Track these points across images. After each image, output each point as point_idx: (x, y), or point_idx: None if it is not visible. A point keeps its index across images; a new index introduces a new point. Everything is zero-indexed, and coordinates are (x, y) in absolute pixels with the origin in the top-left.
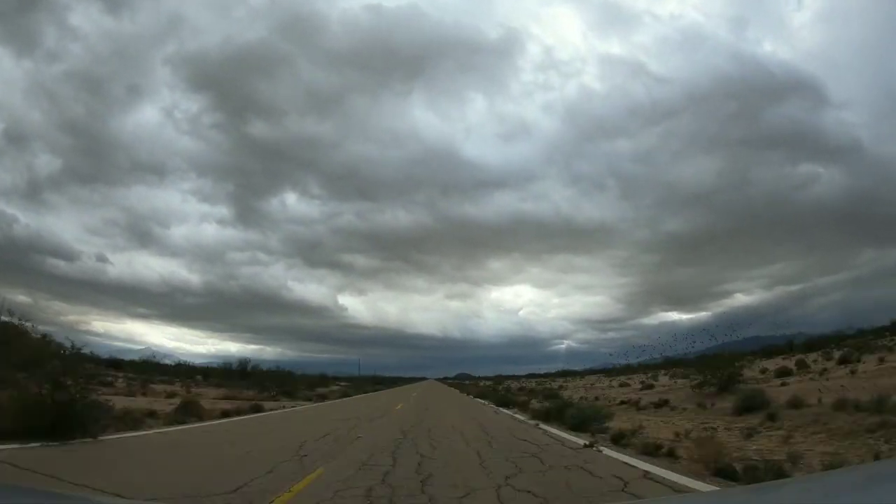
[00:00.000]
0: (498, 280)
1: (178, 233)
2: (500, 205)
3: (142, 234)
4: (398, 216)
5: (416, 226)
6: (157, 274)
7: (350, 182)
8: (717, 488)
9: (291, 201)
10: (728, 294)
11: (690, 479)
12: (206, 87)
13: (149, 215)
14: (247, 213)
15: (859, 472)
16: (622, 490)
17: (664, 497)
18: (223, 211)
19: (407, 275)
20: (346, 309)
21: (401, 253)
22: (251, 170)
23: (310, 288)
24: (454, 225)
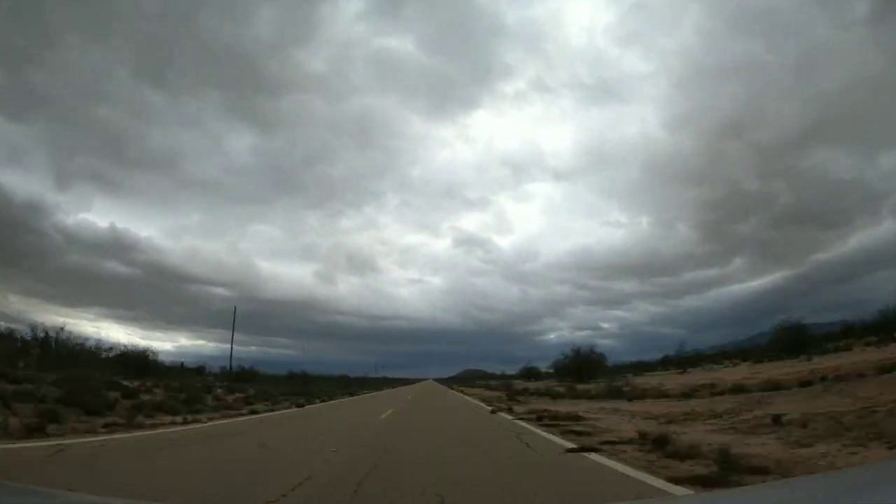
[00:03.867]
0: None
1: None
2: None
3: None
4: None
5: None
6: None
7: None
8: (716, 490)
9: None
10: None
11: None
12: None
13: None
14: None
15: (861, 473)
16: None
17: (664, 497)
18: None
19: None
20: (131, 236)
21: None
22: None
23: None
24: None
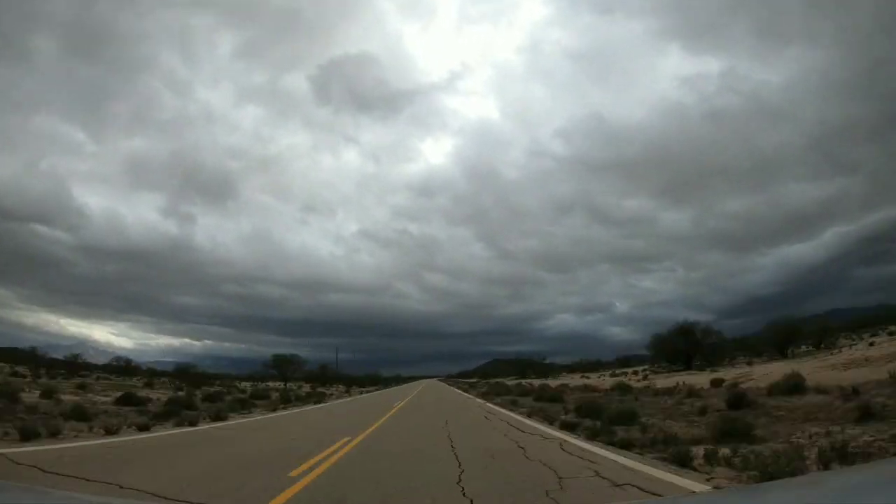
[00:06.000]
0: None
1: None
2: None
3: None
4: None
5: None
6: None
7: None
8: (716, 489)
9: None
10: None
11: None
12: None
13: None
14: None
15: (861, 473)
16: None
17: (663, 497)
18: None
19: None
20: None
21: None
22: None
23: None
24: None
